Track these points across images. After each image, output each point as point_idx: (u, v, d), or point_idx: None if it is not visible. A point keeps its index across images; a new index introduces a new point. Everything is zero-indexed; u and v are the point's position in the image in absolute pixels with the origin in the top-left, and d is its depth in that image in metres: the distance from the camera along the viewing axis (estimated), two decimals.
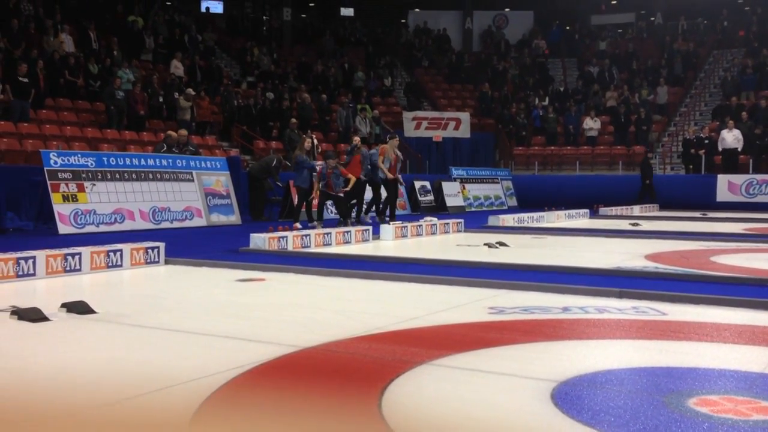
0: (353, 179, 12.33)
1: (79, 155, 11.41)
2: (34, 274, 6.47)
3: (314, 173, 12.26)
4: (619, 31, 32.49)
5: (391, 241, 10.37)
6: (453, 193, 19.15)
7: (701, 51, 28.45)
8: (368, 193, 13.69)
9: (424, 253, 9.01)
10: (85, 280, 6.66)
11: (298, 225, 11.27)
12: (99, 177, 11.28)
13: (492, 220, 13.26)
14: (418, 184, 18.64)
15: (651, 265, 7.64)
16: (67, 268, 6.75)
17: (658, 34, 30.61)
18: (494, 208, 20.29)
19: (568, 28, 32.19)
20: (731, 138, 20.54)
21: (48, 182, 10.66)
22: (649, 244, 10.06)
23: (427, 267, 7.31)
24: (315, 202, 12.53)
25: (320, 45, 28.61)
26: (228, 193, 13.47)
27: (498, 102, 26.62)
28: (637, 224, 13.99)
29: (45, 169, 10.72)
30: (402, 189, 17.08)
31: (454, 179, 19.79)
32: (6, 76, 15.49)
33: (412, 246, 9.96)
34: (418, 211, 17.75)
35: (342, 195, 12.11)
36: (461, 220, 12.41)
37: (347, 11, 33.58)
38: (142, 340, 4.25)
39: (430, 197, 18.83)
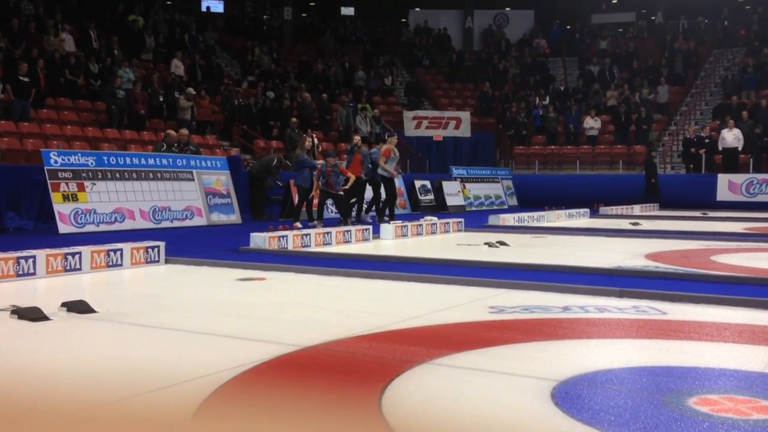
0: (353, 177, 12.33)
1: (80, 154, 11.42)
2: (34, 274, 6.47)
3: (315, 172, 12.26)
4: (620, 30, 32.46)
5: (392, 241, 10.37)
6: (453, 193, 19.15)
7: (702, 50, 28.44)
8: (368, 193, 13.70)
9: (424, 252, 9.01)
10: (86, 280, 6.66)
11: (298, 224, 11.28)
12: (99, 176, 11.28)
13: (492, 220, 13.26)
14: (418, 184, 18.64)
15: (651, 265, 7.64)
16: (68, 268, 6.75)
17: (659, 33, 30.60)
18: (494, 207, 20.28)
19: (568, 27, 32.18)
20: (732, 137, 20.53)
21: (48, 181, 10.66)
22: (650, 243, 10.06)
23: (427, 266, 7.31)
24: (315, 201, 12.53)
25: (321, 44, 28.61)
26: (228, 193, 13.47)
27: (498, 101, 26.62)
28: (637, 224, 13.98)
29: (45, 168, 10.72)
30: (402, 187, 17.11)
31: (455, 178, 19.79)
32: (6, 75, 15.49)
33: (412, 245, 9.96)
34: (418, 210, 17.76)
35: (342, 193, 12.11)
36: (461, 220, 12.40)
37: (348, 10, 33.58)
38: (143, 340, 4.25)
39: (431, 196, 18.84)
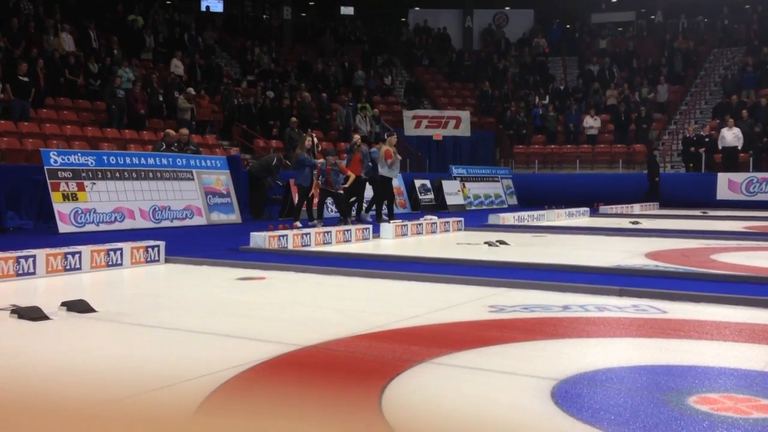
0: (352, 176, 12.33)
1: (79, 154, 11.42)
2: (34, 273, 6.47)
3: (315, 170, 12.26)
4: (620, 29, 32.48)
5: (392, 240, 10.37)
6: (453, 192, 19.15)
7: (702, 49, 28.44)
8: (368, 192, 13.69)
9: (424, 251, 9.01)
10: (86, 279, 6.67)
11: (298, 224, 11.28)
12: (99, 176, 11.29)
13: (492, 219, 13.26)
14: (418, 183, 18.64)
15: (651, 264, 7.64)
16: (68, 267, 6.75)
17: (659, 33, 30.60)
18: (494, 206, 20.28)
19: (568, 26, 32.19)
20: (731, 136, 20.54)
21: (48, 181, 10.67)
22: (650, 242, 10.06)
23: (427, 265, 7.31)
24: (315, 200, 12.53)
25: (320, 44, 28.61)
26: (228, 192, 13.47)
27: (498, 100, 26.62)
28: (637, 222, 13.99)
29: (45, 168, 10.72)
30: (402, 186, 17.11)
31: (455, 178, 19.79)
32: (6, 75, 15.49)
33: (412, 244, 9.96)
34: (418, 209, 17.76)
35: (341, 192, 12.11)
36: (461, 219, 12.40)
37: (347, 10, 33.58)
38: (143, 339, 4.25)
39: (431, 196, 18.84)
